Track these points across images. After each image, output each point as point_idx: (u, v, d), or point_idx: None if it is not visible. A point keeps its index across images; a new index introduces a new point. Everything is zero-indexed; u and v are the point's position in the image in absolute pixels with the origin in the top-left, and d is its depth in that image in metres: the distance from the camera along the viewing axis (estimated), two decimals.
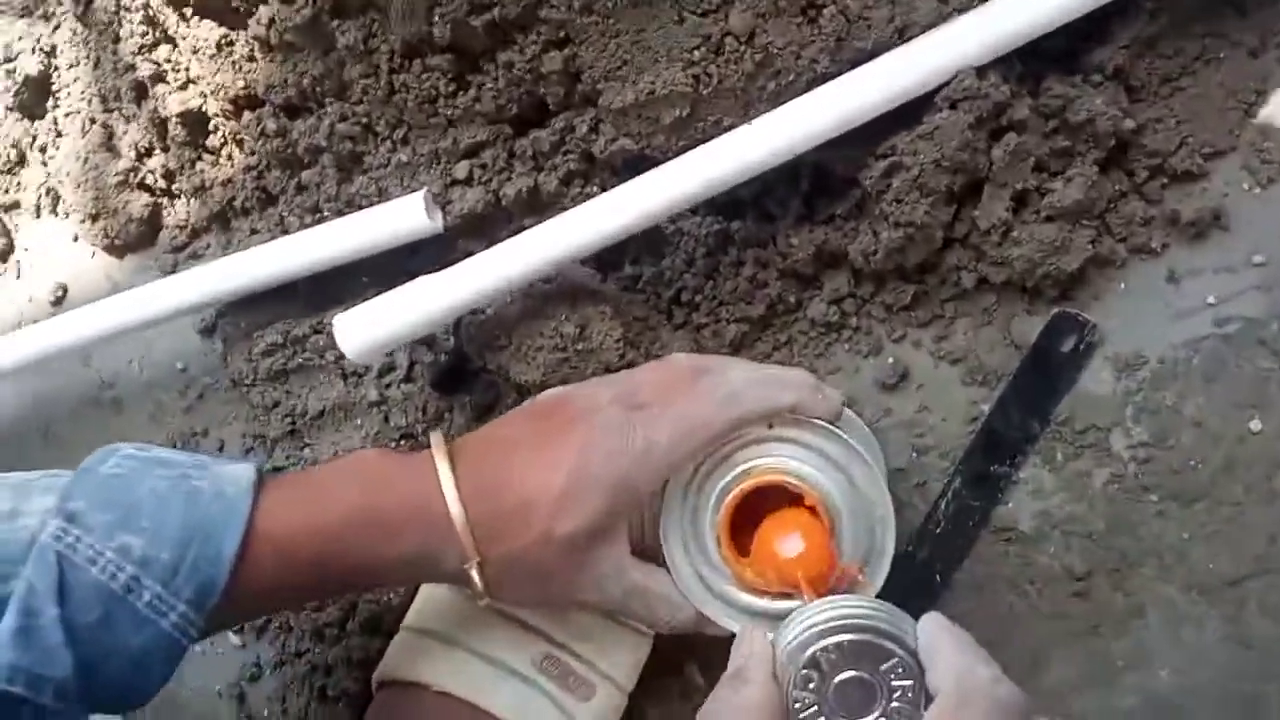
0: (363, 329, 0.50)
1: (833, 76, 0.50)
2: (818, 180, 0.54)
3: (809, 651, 0.35)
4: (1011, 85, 0.48)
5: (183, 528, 0.40)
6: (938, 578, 0.55)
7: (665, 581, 0.47)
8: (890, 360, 0.56)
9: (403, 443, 0.59)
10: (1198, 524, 0.51)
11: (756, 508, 0.47)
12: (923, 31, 0.48)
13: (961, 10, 0.48)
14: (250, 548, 0.41)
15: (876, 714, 0.34)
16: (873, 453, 0.52)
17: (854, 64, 0.50)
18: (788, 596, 0.45)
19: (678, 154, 0.53)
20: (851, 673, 0.34)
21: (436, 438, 0.46)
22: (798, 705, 0.34)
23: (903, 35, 0.49)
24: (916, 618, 0.53)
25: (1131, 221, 0.52)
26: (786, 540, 0.44)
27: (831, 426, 0.46)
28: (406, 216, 0.54)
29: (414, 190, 0.56)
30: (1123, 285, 0.53)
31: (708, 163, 0.47)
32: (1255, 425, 0.50)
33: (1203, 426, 0.51)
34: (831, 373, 0.57)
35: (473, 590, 0.45)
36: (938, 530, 0.55)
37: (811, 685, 0.34)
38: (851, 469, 0.46)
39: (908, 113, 0.48)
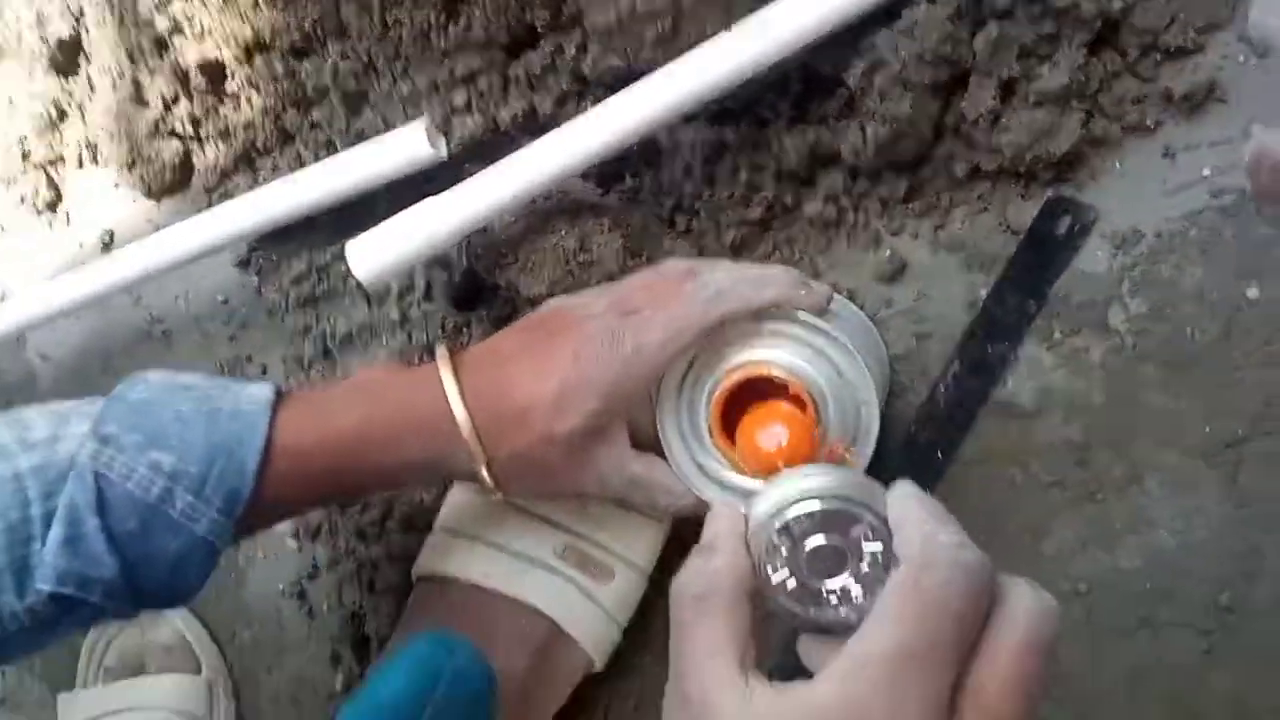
0: (373, 253, 0.53)
1: None
2: (807, 82, 0.55)
3: (781, 519, 0.36)
4: None
5: (207, 444, 0.44)
6: (940, 456, 0.57)
7: (664, 471, 0.51)
8: (888, 252, 0.57)
9: (425, 357, 0.63)
10: (1195, 390, 0.51)
11: (748, 399, 0.49)
12: None
13: None
14: (270, 461, 0.45)
15: (846, 574, 0.35)
16: (867, 340, 0.54)
17: None
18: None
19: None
20: (821, 538, 0.35)
21: (441, 351, 0.49)
22: (770, 569, 0.36)
23: None
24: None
25: (1124, 100, 0.52)
26: (768, 430, 0.46)
27: (814, 320, 0.48)
28: (408, 145, 0.56)
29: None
30: (1118, 164, 0.53)
31: (692, 71, 0.48)
32: (1253, 293, 0.51)
33: (1200, 297, 0.51)
34: (832, 268, 0.58)
35: (484, 488, 0.49)
36: (938, 410, 0.57)
37: (783, 552, 0.35)
38: (835, 357, 0.49)
39: (891, 9, 0.49)
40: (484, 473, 0.48)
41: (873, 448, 0.49)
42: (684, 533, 0.59)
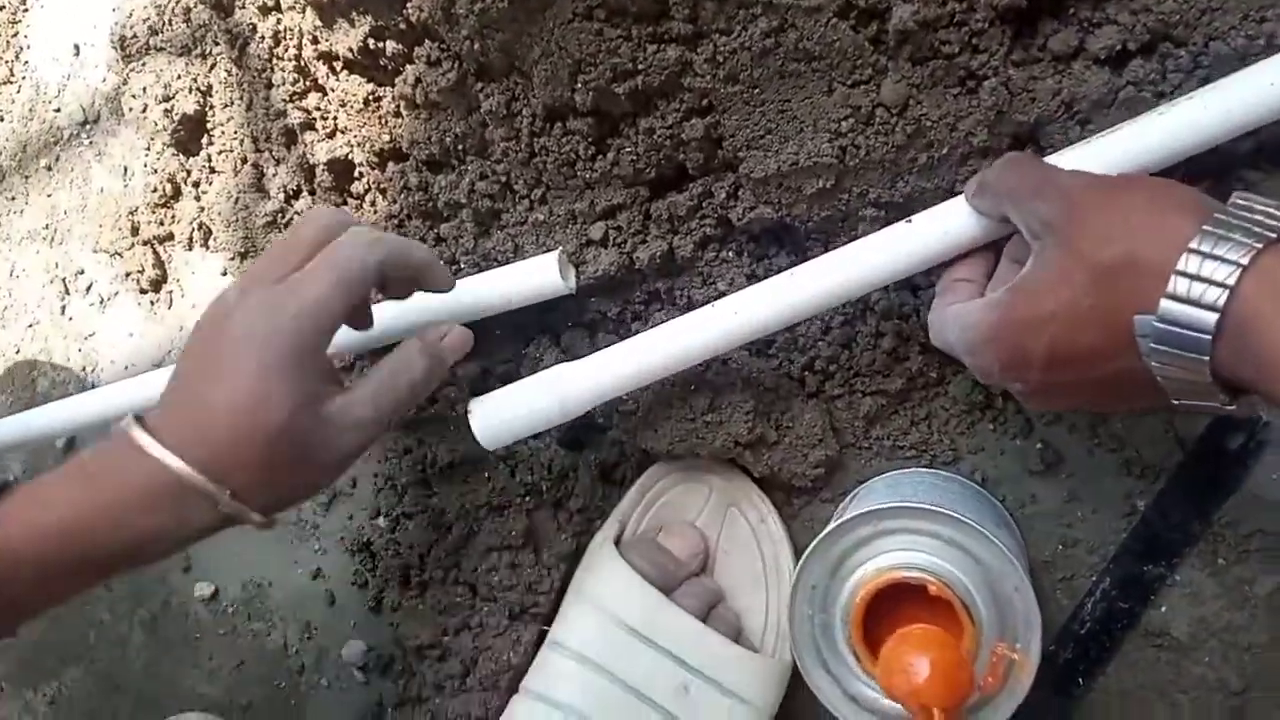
0: (498, 416, 0.50)
1: (990, 150, 0.47)
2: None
3: None
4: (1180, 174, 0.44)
5: None
6: (1080, 681, 0.52)
7: (396, 351, 0.49)
8: (1040, 444, 0.53)
9: (527, 499, 0.59)
10: None
11: (886, 608, 0.45)
12: (1091, 107, 0.45)
13: (1136, 84, 0.44)
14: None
15: None
16: (997, 518, 0.50)
17: (1014, 138, 0.47)
18: None
19: (819, 223, 0.51)
20: None
21: (127, 420, 0.45)
22: None
23: (1069, 109, 0.45)
24: None
25: None
26: (914, 664, 0.42)
27: (937, 508, 0.44)
28: (540, 276, 0.53)
29: (548, 249, 0.56)
30: None
31: (864, 261, 0.45)
32: None
33: None
34: (974, 452, 0.54)
35: (250, 521, 0.45)
36: (1083, 630, 0.52)
37: None
38: (967, 543, 0.44)
39: None
40: (236, 509, 0.44)
41: (1040, 638, 0.44)
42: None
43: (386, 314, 0.55)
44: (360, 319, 0.52)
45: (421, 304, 0.53)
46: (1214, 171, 0.44)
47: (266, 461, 0.44)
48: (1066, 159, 0.43)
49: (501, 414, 0.51)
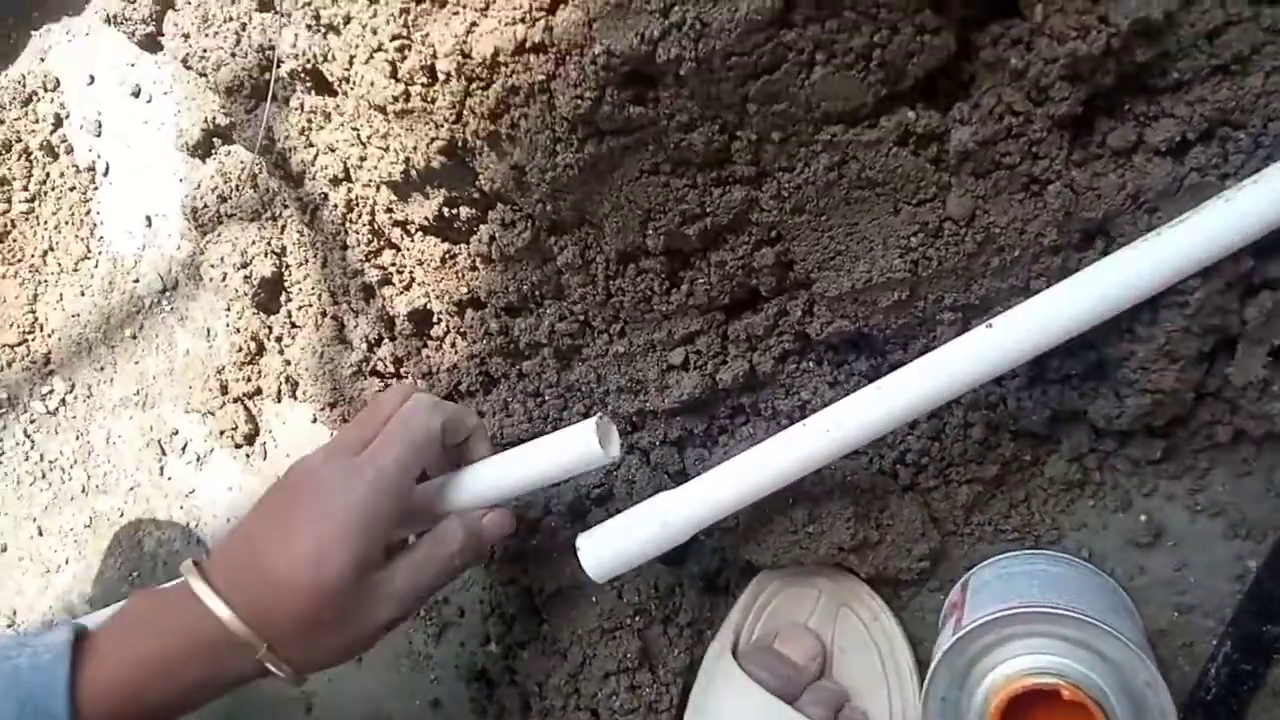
0: (606, 549, 0.51)
1: (1062, 248, 0.48)
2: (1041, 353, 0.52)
3: None
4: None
5: (15, 702, 0.44)
6: None
7: (436, 528, 0.52)
8: (1142, 517, 0.53)
9: (637, 618, 0.61)
10: None
11: (1021, 712, 0.46)
12: (1157, 197, 0.46)
13: (1199, 170, 0.45)
14: (79, 702, 0.45)
15: None
16: (1115, 604, 0.50)
17: (1084, 233, 0.48)
18: None
19: (896, 330, 0.52)
20: None
21: (186, 564, 0.48)
22: None
23: (1135, 201, 0.46)
24: None
25: None
26: None
27: (1059, 609, 0.45)
28: (577, 446, 0.51)
29: (632, 378, 0.57)
30: None
31: (949, 368, 0.46)
32: None
33: None
34: (1077, 529, 0.55)
35: (283, 676, 0.48)
36: (1210, 696, 0.52)
37: None
38: (1095, 643, 0.45)
39: None
40: (272, 662, 0.47)
41: None
42: None
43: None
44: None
45: (464, 487, 0.54)
46: None
47: (308, 619, 0.46)
48: (1139, 250, 0.44)
49: (610, 546, 0.52)
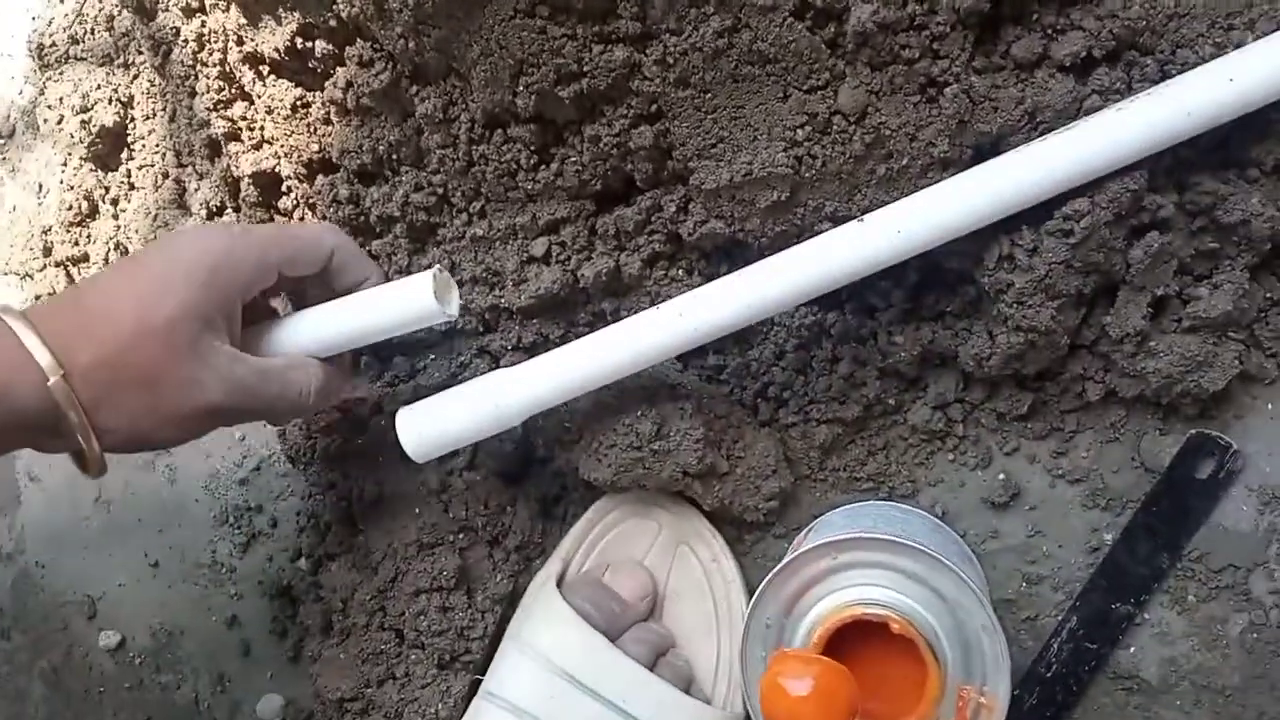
0: (428, 425, 0.46)
1: (951, 162, 0.45)
2: (926, 271, 0.49)
3: None
4: (1156, 177, 0.43)
5: None
6: None
7: (293, 355, 0.46)
8: (1001, 476, 0.50)
9: (460, 536, 0.55)
10: None
11: (846, 647, 0.42)
12: (1055, 117, 0.43)
13: (1101, 93, 0.43)
14: None
15: None
16: (960, 553, 0.47)
17: (976, 149, 0.45)
18: None
19: (772, 239, 0.48)
20: None
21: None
22: None
23: (1032, 119, 0.44)
24: None
25: None
26: (793, 685, 0.38)
27: (899, 538, 0.41)
28: (412, 299, 0.47)
29: (487, 266, 0.52)
30: (1270, 406, 0.47)
31: (815, 261, 0.42)
32: None
33: None
34: (933, 484, 0.51)
35: (75, 429, 0.40)
36: (1049, 673, 0.49)
37: None
38: (932, 579, 0.41)
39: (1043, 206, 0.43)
40: (63, 395, 0.39)
41: (1009, 685, 0.41)
42: None
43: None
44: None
45: (293, 329, 0.48)
46: (1174, 172, 0.43)
47: (117, 357, 0.39)
48: (1021, 156, 0.41)
49: (433, 422, 0.47)
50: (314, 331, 0.47)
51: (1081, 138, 0.40)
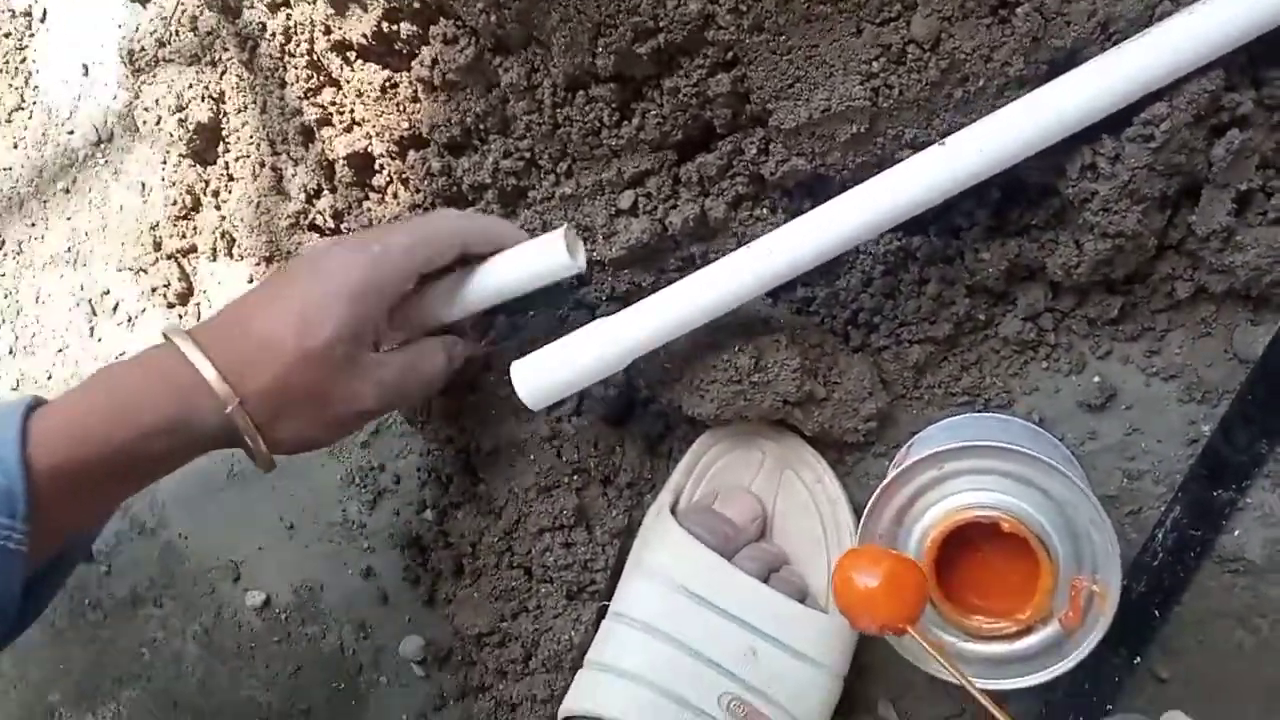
0: (540, 374, 0.49)
1: (1027, 80, 0.46)
2: (1008, 188, 0.50)
3: None
4: (1233, 75, 0.43)
5: None
6: (1156, 614, 0.50)
7: (422, 342, 0.51)
8: (1095, 379, 0.52)
9: (575, 477, 0.58)
10: None
11: (960, 551, 0.44)
12: (1128, 26, 0.44)
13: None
14: (32, 453, 0.42)
15: None
16: (1058, 454, 0.49)
17: (1051, 65, 0.46)
18: (1008, 636, 0.44)
19: (854, 171, 0.50)
20: None
21: (170, 326, 0.47)
22: None
23: (1105, 30, 0.44)
24: (1134, 655, 0.50)
25: None
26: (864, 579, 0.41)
27: (1003, 444, 0.43)
28: (546, 255, 0.51)
29: (578, 223, 0.55)
30: None
31: (899, 187, 0.44)
32: None
33: None
34: (1028, 393, 0.53)
35: (250, 445, 0.46)
36: (1155, 562, 0.50)
37: None
38: (1038, 479, 0.43)
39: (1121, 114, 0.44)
40: (240, 419, 0.45)
41: (1120, 574, 0.43)
42: (852, 686, 0.54)
43: None
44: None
45: (439, 295, 0.53)
46: (1249, 69, 0.43)
47: (287, 381, 0.44)
48: (1097, 66, 0.42)
49: (544, 371, 0.51)
50: (464, 291, 0.52)
51: (1155, 43, 0.41)
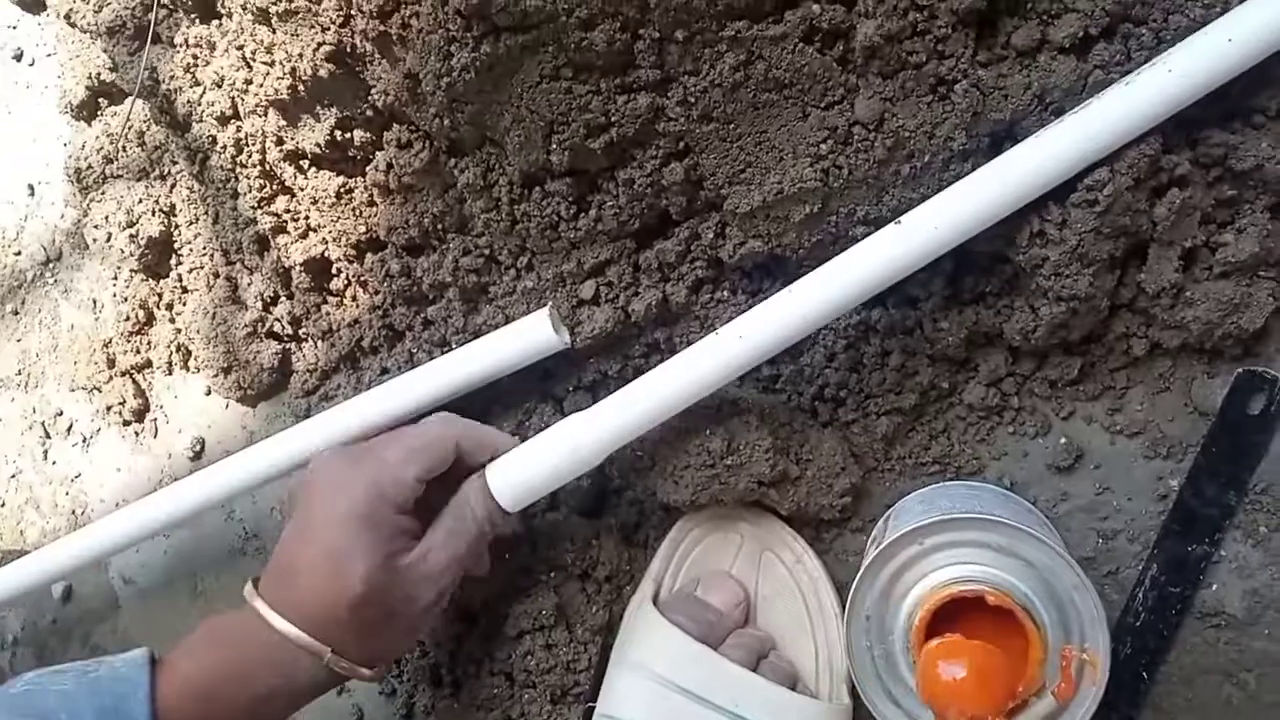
0: (515, 476, 0.49)
1: (971, 153, 0.47)
2: (961, 258, 0.51)
3: None
4: (1169, 138, 0.45)
5: (95, 710, 0.45)
6: (1144, 675, 0.50)
7: (452, 502, 0.51)
8: (1062, 440, 0.52)
9: (552, 575, 0.57)
10: None
11: (946, 626, 0.44)
12: (1064, 95, 0.45)
13: (1103, 68, 0.45)
14: (161, 709, 0.46)
15: None
16: (1035, 520, 0.49)
17: (992, 137, 0.47)
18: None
19: (810, 250, 0.51)
20: None
21: (248, 587, 0.50)
22: None
23: (1042, 101, 0.46)
24: (1125, 719, 0.50)
25: None
26: (951, 671, 0.41)
27: (980, 514, 0.44)
28: (532, 334, 0.53)
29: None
30: None
31: (860, 267, 0.44)
32: None
33: None
34: (997, 458, 0.53)
35: (359, 676, 0.50)
36: (1138, 623, 0.50)
37: None
38: (1018, 548, 0.43)
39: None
40: (340, 666, 0.48)
41: (1107, 636, 0.43)
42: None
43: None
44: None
45: (417, 377, 0.53)
46: (1184, 130, 0.45)
47: (355, 622, 0.47)
48: (1040, 141, 0.43)
49: (519, 475, 0.51)
50: (453, 373, 0.54)
51: (1094, 117, 0.42)
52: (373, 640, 0.49)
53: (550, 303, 0.54)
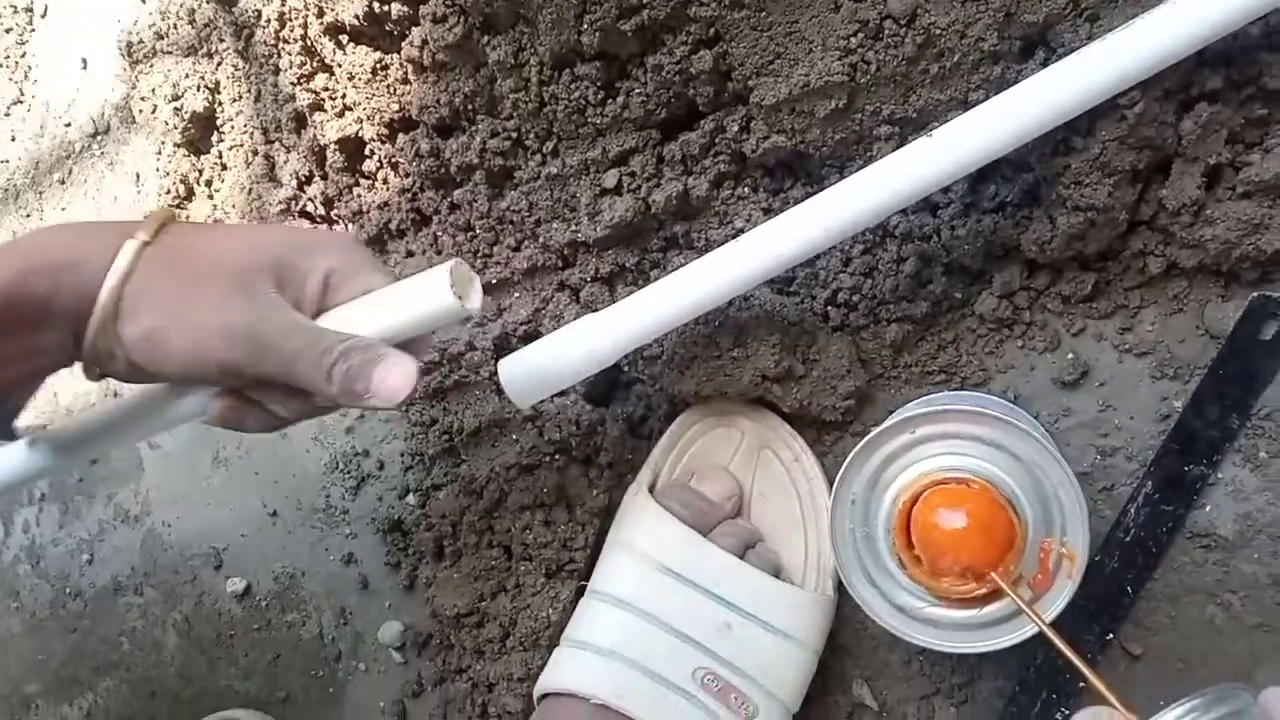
0: (529, 374, 0.49)
1: (1001, 55, 0.47)
2: (983, 166, 0.51)
3: None
4: (1203, 52, 0.44)
5: None
6: (1129, 590, 0.51)
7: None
8: (1069, 356, 0.52)
9: (557, 457, 0.59)
10: None
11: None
12: (1100, 3, 0.45)
13: None
14: None
15: None
16: (1031, 423, 0.50)
17: (1024, 40, 0.47)
18: (976, 600, 0.44)
19: (833, 148, 0.51)
20: None
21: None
22: None
23: (1077, 6, 0.46)
24: (1106, 632, 0.50)
25: None
26: (949, 520, 0.41)
27: (973, 407, 0.44)
28: (429, 297, 0.42)
29: (564, 202, 0.56)
30: None
31: (890, 180, 0.44)
32: None
33: None
34: (1004, 371, 0.54)
35: (105, 328, 0.41)
36: (1128, 538, 0.51)
37: None
38: (1009, 443, 0.44)
39: None
40: (117, 276, 0.40)
41: (1088, 534, 0.43)
42: (826, 662, 0.54)
43: None
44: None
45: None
46: (1223, 50, 0.44)
47: (190, 268, 0.41)
48: (1082, 57, 0.43)
49: (531, 371, 0.51)
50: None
51: (1140, 33, 0.42)
52: (166, 301, 0.41)
53: (457, 257, 0.48)
